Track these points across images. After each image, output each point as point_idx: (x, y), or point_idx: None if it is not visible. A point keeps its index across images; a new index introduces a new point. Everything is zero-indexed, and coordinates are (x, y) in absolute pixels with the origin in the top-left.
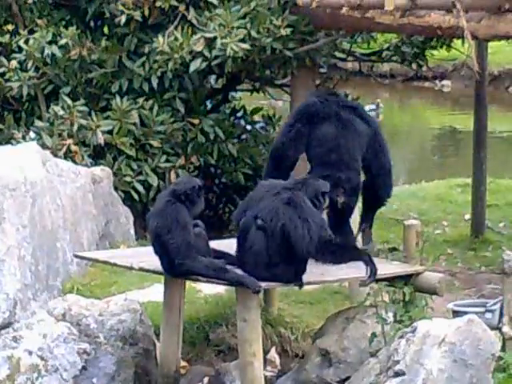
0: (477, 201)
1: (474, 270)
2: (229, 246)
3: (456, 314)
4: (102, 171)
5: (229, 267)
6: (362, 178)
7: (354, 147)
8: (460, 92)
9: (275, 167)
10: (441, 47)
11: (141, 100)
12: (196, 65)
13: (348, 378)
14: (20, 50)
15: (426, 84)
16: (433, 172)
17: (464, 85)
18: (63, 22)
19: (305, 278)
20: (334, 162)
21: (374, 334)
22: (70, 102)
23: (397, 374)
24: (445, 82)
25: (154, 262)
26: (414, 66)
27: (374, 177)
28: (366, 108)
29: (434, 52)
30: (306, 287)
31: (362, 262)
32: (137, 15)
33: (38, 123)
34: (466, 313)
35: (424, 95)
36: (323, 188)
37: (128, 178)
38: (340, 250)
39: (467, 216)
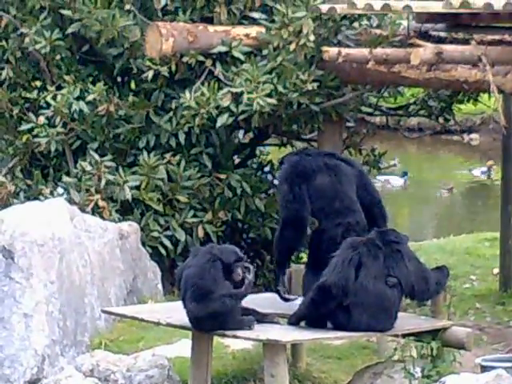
0: (505, 255)
1: (503, 324)
2: (257, 301)
3: (484, 368)
4: (130, 226)
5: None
6: None
7: (350, 190)
8: (488, 145)
9: (295, 233)
10: (468, 101)
11: (168, 155)
12: (223, 120)
13: None
14: (48, 105)
15: (455, 137)
16: (461, 226)
17: (492, 138)
18: (90, 78)
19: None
20: (338, 209)
21: None
22: (97, 157)
23: None
24: (473, 136)
25: (182, 318)
26: (440, 120)
27: (370, 210)
28: (478, 172)
29: (461, 106)
30: (334, 342)
31: None
32: (164, 71)
33: (65, 179)
34: (494, 368)
35: (452, 149)
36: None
37: (155, 234)
38: None
39: (496, 270)
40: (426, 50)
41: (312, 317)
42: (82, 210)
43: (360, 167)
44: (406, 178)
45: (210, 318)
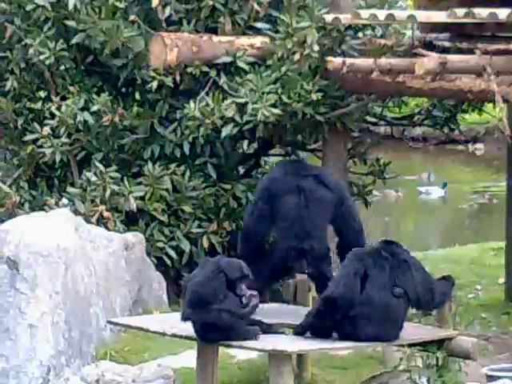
0: (510, 264)
1: (509, 334)
2: (262, 311)
3: (490, 378)
4: (135, 237)
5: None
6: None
7: (317, 215)
8: (493, 155)
9: (248, 247)
10: (472, 111)
11: (173, 166)
12: (227, 130)
13: None
14: (52, 116)
15: (459, 147)
16: (466, 236)
17: (497, 148)
18: (95, 89)
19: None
20: (297, 233)
21: None
22: (102, 168)
23: None
24: (478, 145)
25: (187, 328)
26: (445, 129)
27: (345, 239)
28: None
29: (466, 116)
30: (339, 352)
31: None
32: (168, 81)
33: (70, 189)
34: (500, 377)
35: (457, 158)
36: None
37: (160, 244)
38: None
39: (501, 280)
40: (431, 60)
41: (318, 327)
42: (87, 221)
43: (342, 193)
44: (446, 188)
45: (215, 329)
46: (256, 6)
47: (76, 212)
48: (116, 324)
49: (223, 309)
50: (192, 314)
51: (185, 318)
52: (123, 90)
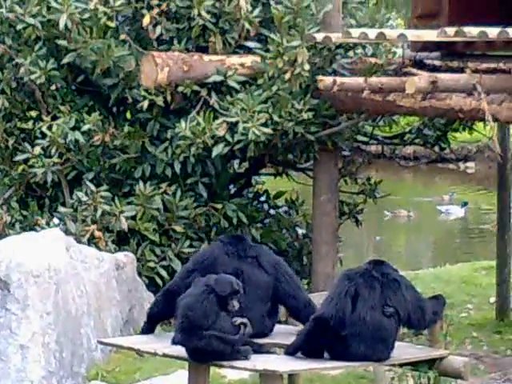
0: (501, 283)
1: (500, 353)
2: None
3: None
4: (126, 257)
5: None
6: None
7: (257, 301)
8: (484, 173)
9: (165, 302)
10: (463, 129)
11: (164, 185)
12: (218, 149)
13: None
14: (43, 136)
15: (450, 166)
16: (457, 255)
17: (488, 166)
18: (86, 108)
19: None
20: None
21: None
22: (93, 187)
23: None
24: (469, 164)
25: (179, 348)
26: (436, 148)
27: (293, 314)
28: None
29: (457, 134)
30: (331, 372)
31: None
32: (159, 101)
33: (61, 209)
34: None
35: (448, 177)
36: None
37: (152, 264)
38: None
39: (492, 299)
40: (421, 79)
41: (309, 347)
42: (78, 241)
43: (278, 273)
44: (467, 208)
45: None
46: (247, 25)
47: (67, 232)
48: (107, 344)
49: (214, 335)
50: (183, 340)
51: (175, 343)
52: (114, 109)
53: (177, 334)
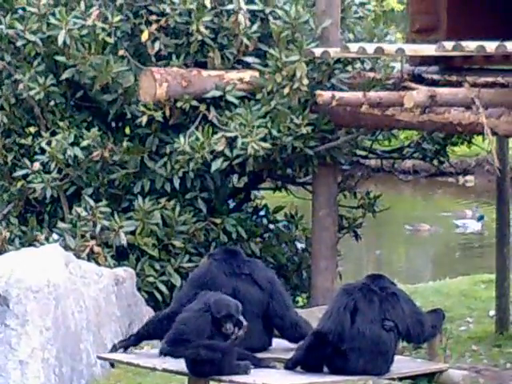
0: (501, 297)
1: (500, 366)
2: None
3: None
4: (125, 272)
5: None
6: None
7: (254, 319)
8: (483, 187)
9: (161, 327)
10: (462, 143)
11: (163, 200)
12: (217, 164)
13: None
14: (42, 151)
15: (450, 180)
16: (457, 268)
17: (487, 180)
18: (85, 124)
19: None
20: None
21: None
22: (92, 203)
23: None
24: (468, 177)
25: (178, 363)
26: (435, 162)
27: (284, 335)
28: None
29: (456, 148)
30: None
31: None
32: (158, 116)
33: (60, 225)
34: None
35: (447, 190)
36: None
37: (151, 279)
38: None
39: (492, 312)
40: (420, 93)
41: (308, 361)
42: (78, 256)
43: (273, 289)
44: (483, 221)
45: (204, 363)
46: (245, 41)
47: (66, 247)
48: (106, 359)
49: (201, 344)
50: (170, 350)
51: (163, 354)
52: (113, 124)
53: (163, 344)
